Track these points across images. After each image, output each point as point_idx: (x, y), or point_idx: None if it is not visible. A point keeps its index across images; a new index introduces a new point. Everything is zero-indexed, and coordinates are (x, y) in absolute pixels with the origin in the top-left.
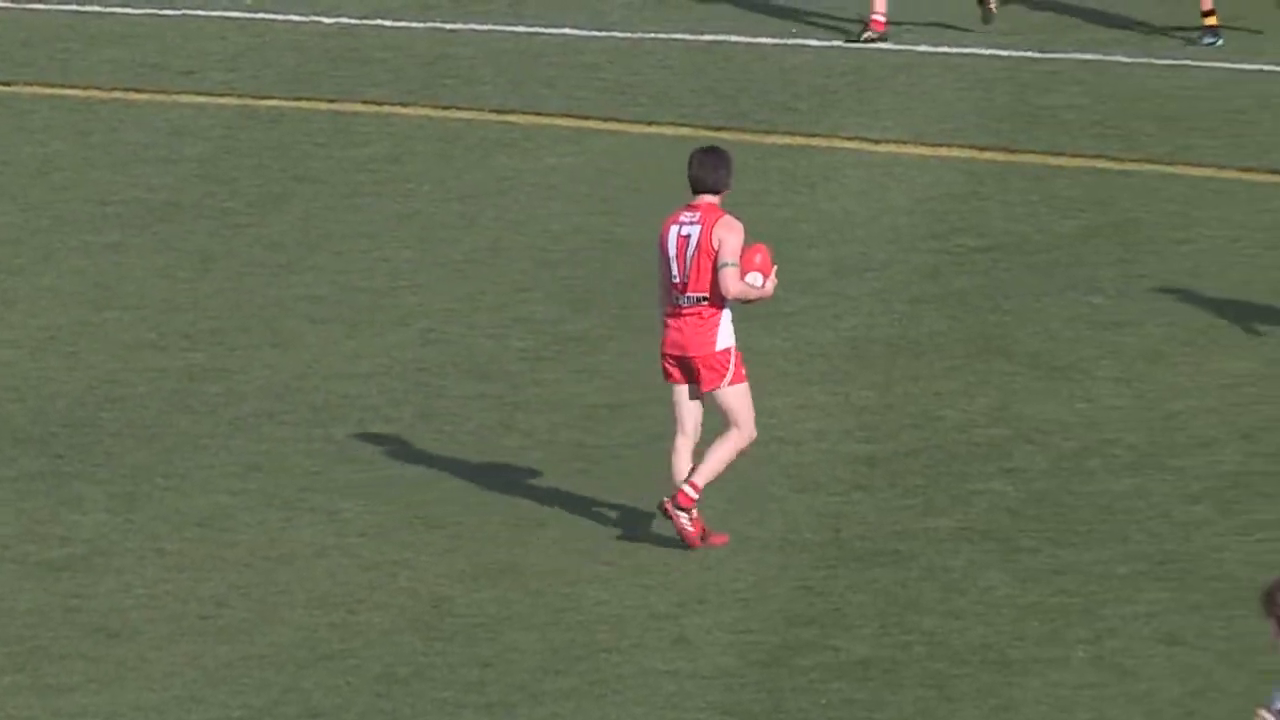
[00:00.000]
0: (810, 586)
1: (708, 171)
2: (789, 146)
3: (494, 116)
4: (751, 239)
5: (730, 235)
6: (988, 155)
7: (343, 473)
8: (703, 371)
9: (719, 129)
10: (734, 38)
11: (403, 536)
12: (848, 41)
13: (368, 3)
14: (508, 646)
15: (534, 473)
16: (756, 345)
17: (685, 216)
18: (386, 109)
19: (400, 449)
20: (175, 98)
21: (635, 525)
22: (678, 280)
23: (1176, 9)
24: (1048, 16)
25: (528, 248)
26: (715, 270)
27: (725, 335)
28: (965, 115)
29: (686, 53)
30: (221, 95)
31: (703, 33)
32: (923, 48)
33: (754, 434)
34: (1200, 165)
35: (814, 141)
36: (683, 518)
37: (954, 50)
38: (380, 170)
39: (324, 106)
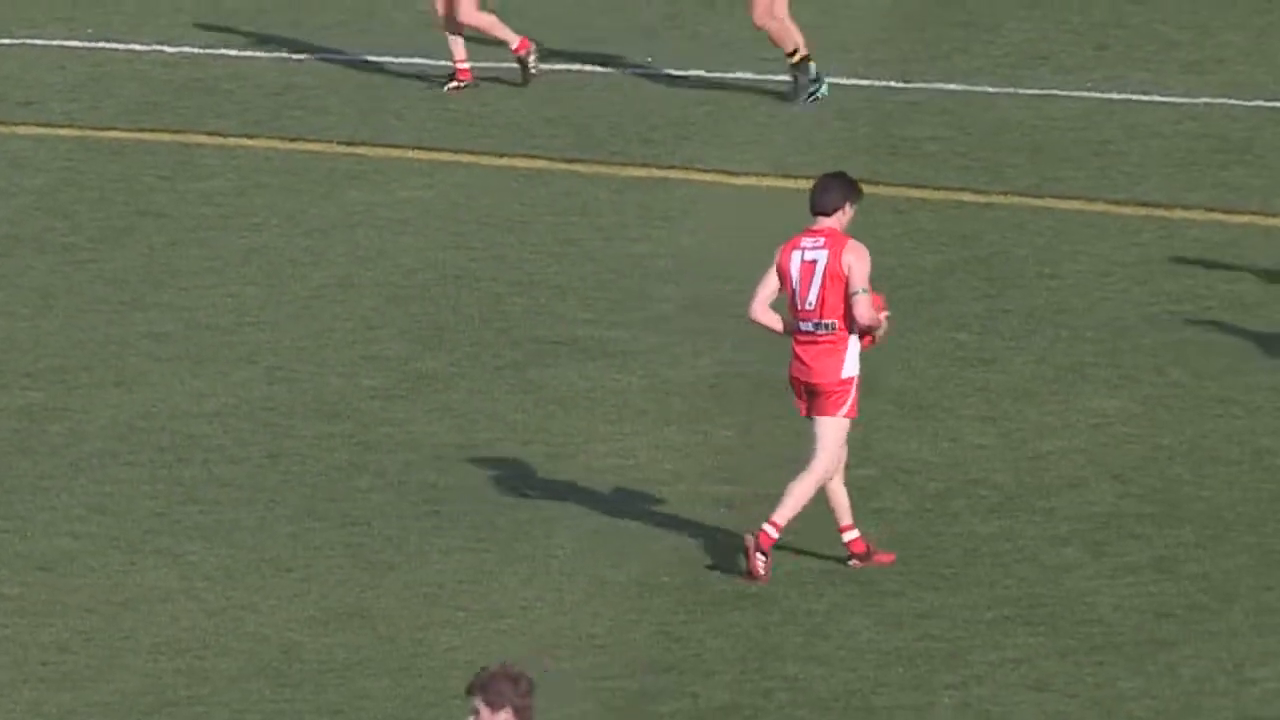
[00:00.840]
0: (669, 631)
1: (820, 194)
2: (645, 179)
3: (343, 149)
4: (611, 274)
5: (860, 261)
6: None
7: (189, 515)
8: (823, 398)
9: (573, 161)
10: (588, 67)
11: (250, 580)
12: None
13: (212, 32)
14: (358, 693)
15: (385, 514)
16: (612, 384)
17: (807, 241)
18: (232, 141)
19: (248, 490)
20: (14, 129)
21: (489, 568)
22: (810, 307)
23: (1042, 38)
24: (911, 45)
25: (378, 283)
26: (846, 297)
27: (851, 364)
28: (826, 146)
29: (539, 83)
30: (61, 126)
31: (556, 62)
32: (783, 77)
33: (832, 469)
34: (1067, 198)
35: (671, 174)
36: (760, 561)
37: None
38: (226, 204)
39: (167, 138)
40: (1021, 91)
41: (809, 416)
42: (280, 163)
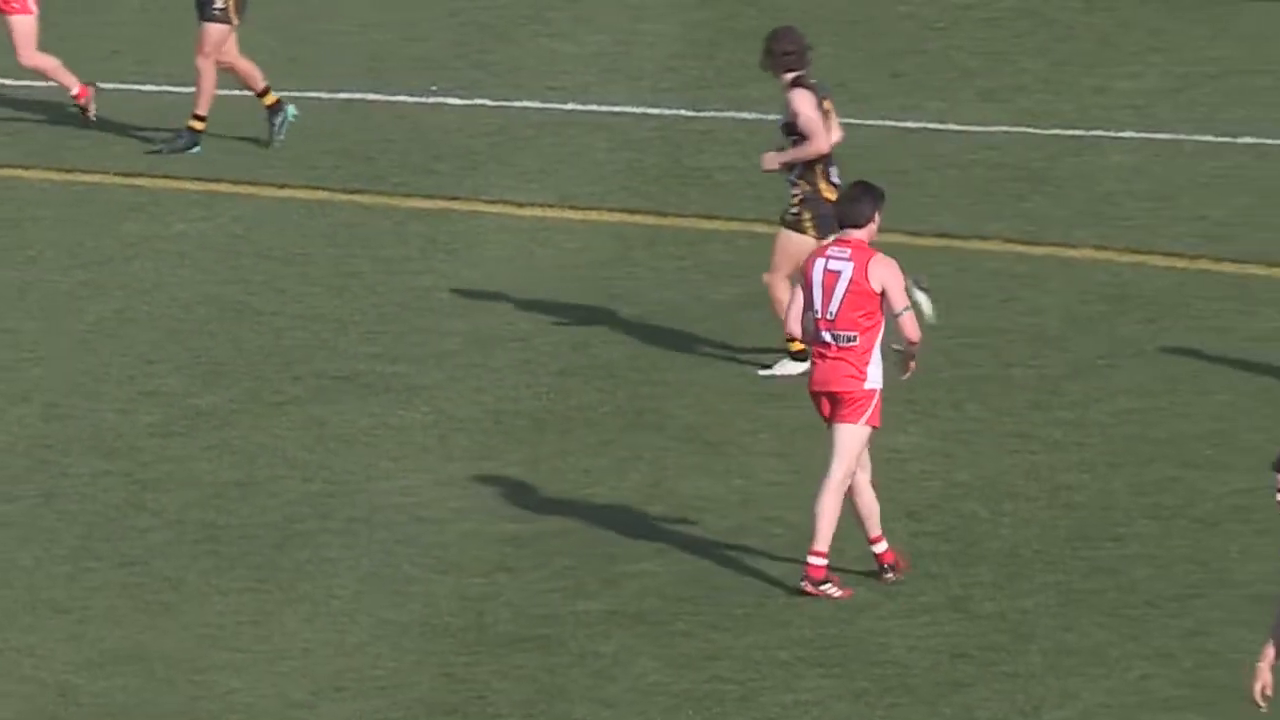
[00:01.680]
0: (453, 673)
1: (850, 205)
2: (429, 211)
3: (121, 180)
4: (394, 308)
5: (895, 277)
6: (638, 219)
7: None
8: (845, 406)
9: (355, 192)
10: (371, 96)
11: (26, 621)
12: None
13: None
14: None
15: (163, 554)
16: (395, 420)
17: (834, 251)
18: (7, 172)
19: (23, 530)
20: None
21: (269, 609)
22: (830, 318)
23: (836, 65)
24: (702, 73)
25: (155, 317)
26: (873, 312)
27: (875, 374)
28: (615, 177)
29: (321, 112)
30: None
31: (338, 91)
32: (570, 105)
33: (849, 476)
34: None
35: (455, 205)
36: (827, 589)
37: (603, 108)
38: (1, 236)
39: None
40: None
41: (830, 422)
42: (56, 194)
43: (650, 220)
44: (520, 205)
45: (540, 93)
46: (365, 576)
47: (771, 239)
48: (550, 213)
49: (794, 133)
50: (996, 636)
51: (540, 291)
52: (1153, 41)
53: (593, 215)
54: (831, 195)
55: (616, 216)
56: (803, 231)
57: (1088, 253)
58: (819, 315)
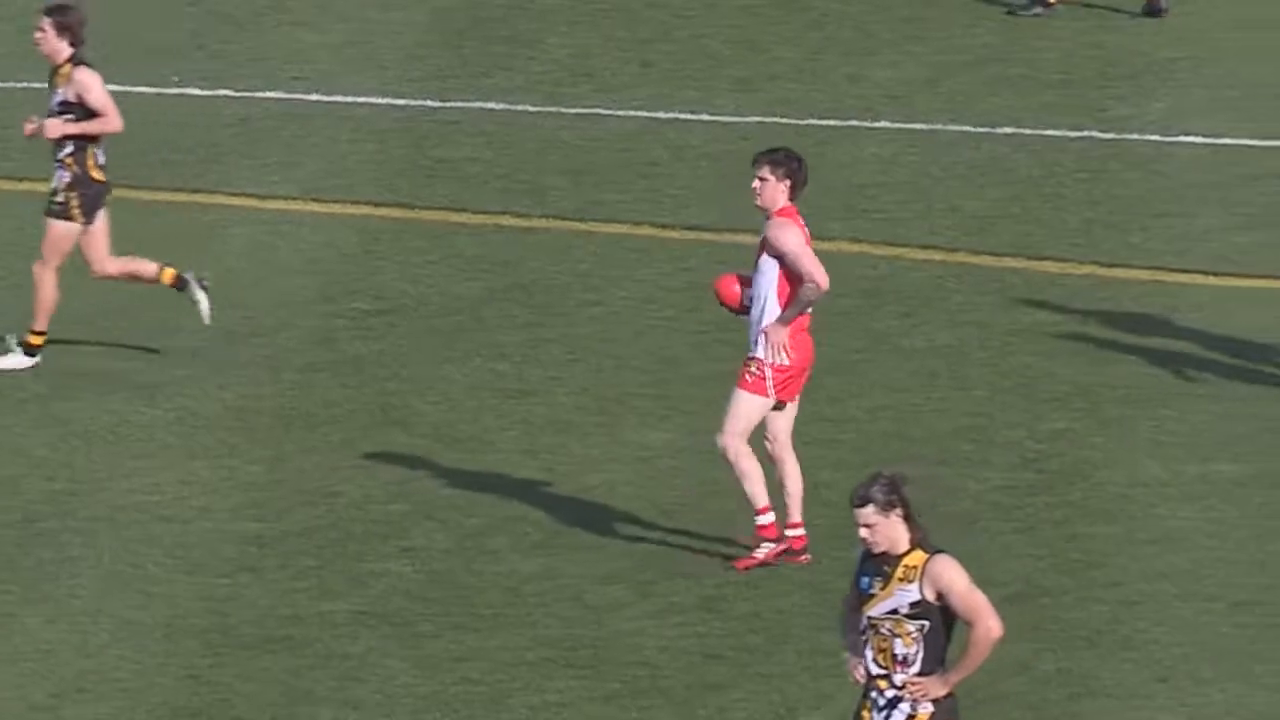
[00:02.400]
0: (197, 675)
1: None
2: (170, 204)
3: None
4: (136, 303)
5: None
6: (383, 212)
7: None
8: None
9: None
10: (110, 86)
11: None
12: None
13: None
14: None
15: None
16: (138, 418)
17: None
18: None
19: None
20: None
21: (8, 609)
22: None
23: (585, 55)
24: (449, 62)
25: None
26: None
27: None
28: (359, 169)
29: None
30: None
31: None
32: (314, 96)
33: (728, 442)
34: (612, 221)
35: (197, 198)
36: (763, 551)
37: (347, 99)
38: None
39: None
40: (565, 110)
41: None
42: None
43: (396, 213)
44: (263, 198)
45: (283, 83)
46: (108, 576)
47: (521, 232)
48: (294, 205)
49: (70, 111)
50: (751, 637)
51: (284, 286)
52: (910, 30)
53: (337, 208)
54: (101, 177)
55: (362, 209)
56: (70, 218)
57: (843, 245)
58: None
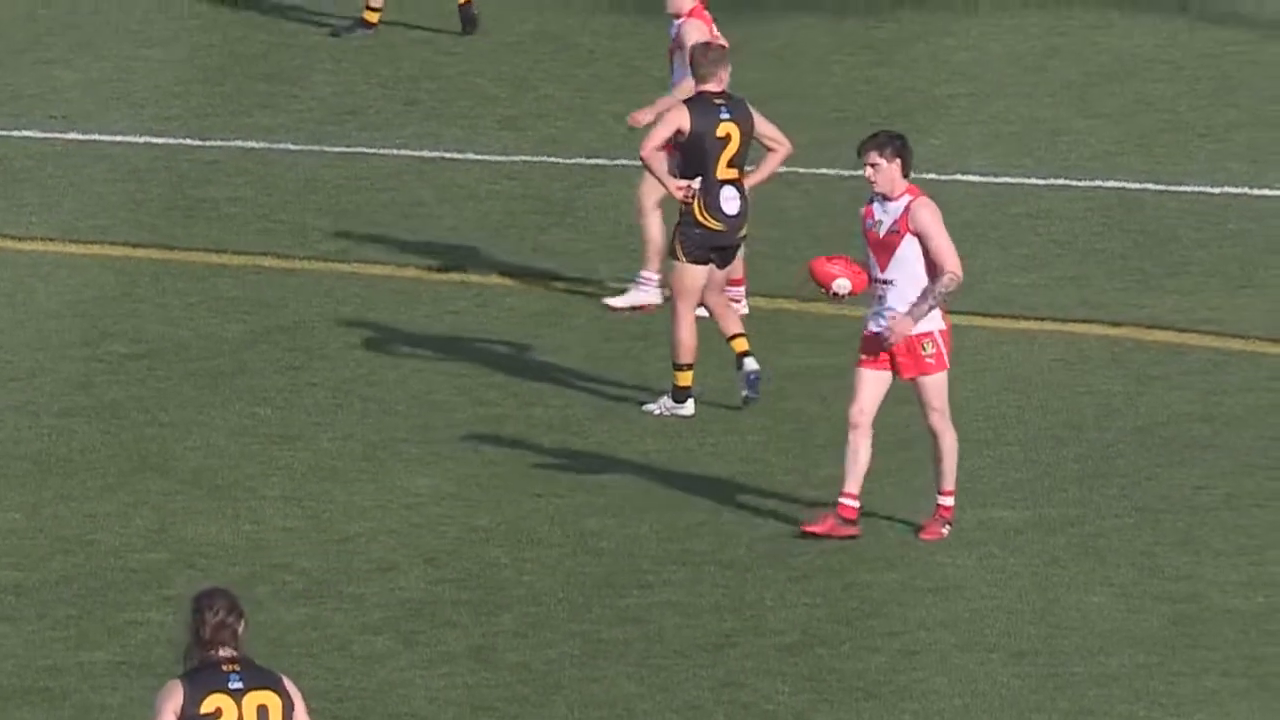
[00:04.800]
0: None
1: None
2: None
3: None
4: None
5: None
6: (142, 253)
7: None
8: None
9: None
10: None
11: None
12: None
13: None
14: None
15: None
16: None
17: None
18: None
19: None
20: None
21: None
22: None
23: (349, 92)
24: (209, 100)
25: None
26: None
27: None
28: (118, 209)
29: None
30: None
31: None
32: (72, 135)
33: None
34: (376, 263)
35: None
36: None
37: (105, 138)
38: None
39: None
40: (327, 149)
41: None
42: None
43: (156, 254)
44: (19, 239)
45: (40, 122)
46: None
47: (283, 273)
48: (51, 246)
49: None
50: (520, 688)
51: (41, 329)
52: None
53: (95, 249)
54: None
55: (120, 250)
56: None
57: (611, 286)
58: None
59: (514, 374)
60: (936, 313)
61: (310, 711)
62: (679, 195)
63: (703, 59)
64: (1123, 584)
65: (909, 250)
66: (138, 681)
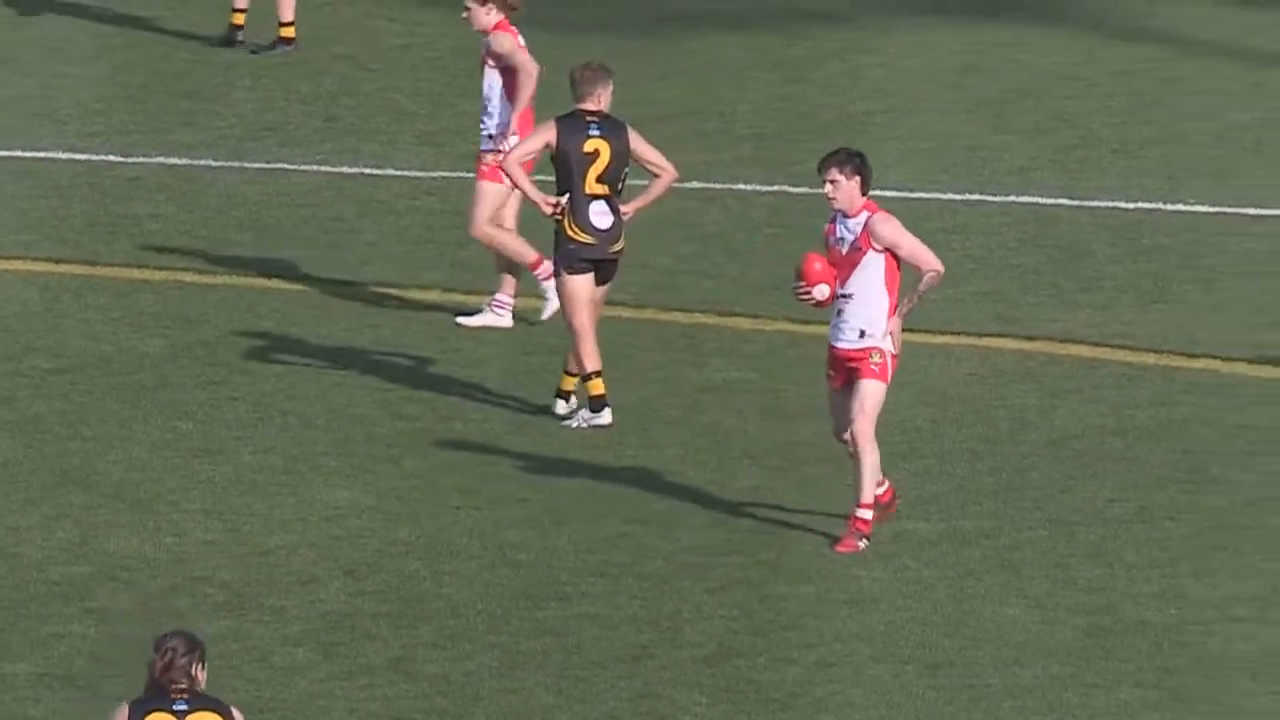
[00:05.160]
0: None
1: None
2: None
3: None
4: None
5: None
6: (65, 268)
7: None
8: None
9: None
10: None
11: None
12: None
13: None
14: None
15: None
16: None
17: None
18: None
19: None
20: None
21: None
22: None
23: (269, 109)
24: (131, 117)
25: None
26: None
27: None
28: (41, 225)
29: None
30: None
31: None
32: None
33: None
34: (297, 278)
35: None
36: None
37: (28, 154)
38: None
39: None
40: (248, 165)
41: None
42: None
43: (78, 270)
44: None
45: None
46: None
47: (204, 288)
48: None
49: None
50: (439, 699)
51: None
52: None
53: (17, 264)
54: None
55: (42, 266)
56: None
57: (529, 301)
58: None
59: (433, 388)
60: (887, 334)
61: None
62: (546, 211)
63: (579, 78)
64: (1037, 596)
65: (870, 266)
66: (60, 694)
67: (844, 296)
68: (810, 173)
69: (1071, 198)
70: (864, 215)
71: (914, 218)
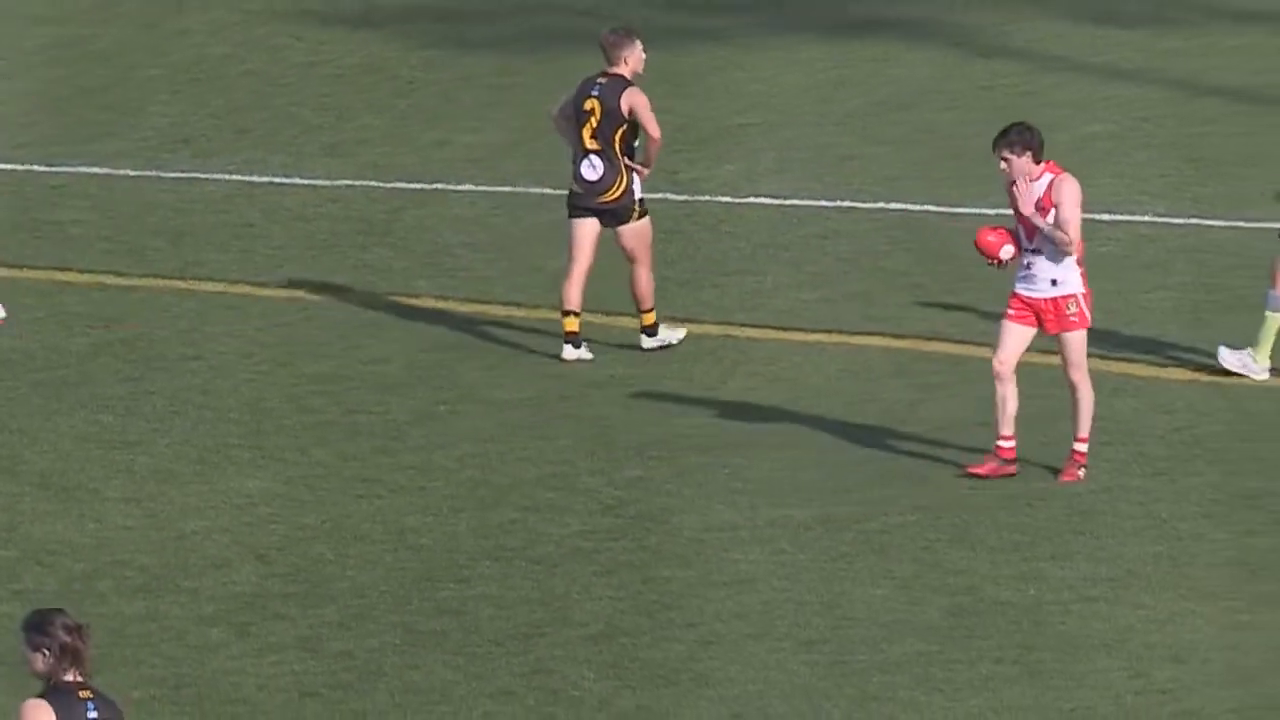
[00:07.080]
0: None
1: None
2: None
3: None
4: None
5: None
6: None
7: None
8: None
9: None
10: None
11: None
12: None
13: None
14: None
15: None
16: None
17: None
18: None
19: None
20: None
21: None
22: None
23: (184, 122)
24: (55, 129)
25: None
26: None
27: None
28: None
29: None
30: None
31: None
32: None
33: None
34: (210, 280)
35: None
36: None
37: None
38: None
39: None
40: (164, 175)
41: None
42: None
43: (4, 272)
44: None
45: None
46: None
47: (124, 290)
48: None
49: None
50: (345, 675)
51: None
52: (491, 97)
53: None
54: None
55: None
56: None
57: (428, 302)
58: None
59: (338, 383)
60: (1080, 276)
61: (150, 698)
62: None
63: (603, 44)
64: (904, 578)
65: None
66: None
67: (1033, 250)
68: (692, 180)
69: (938, 205)
70: (1047, 176)
71: (788, 223)
